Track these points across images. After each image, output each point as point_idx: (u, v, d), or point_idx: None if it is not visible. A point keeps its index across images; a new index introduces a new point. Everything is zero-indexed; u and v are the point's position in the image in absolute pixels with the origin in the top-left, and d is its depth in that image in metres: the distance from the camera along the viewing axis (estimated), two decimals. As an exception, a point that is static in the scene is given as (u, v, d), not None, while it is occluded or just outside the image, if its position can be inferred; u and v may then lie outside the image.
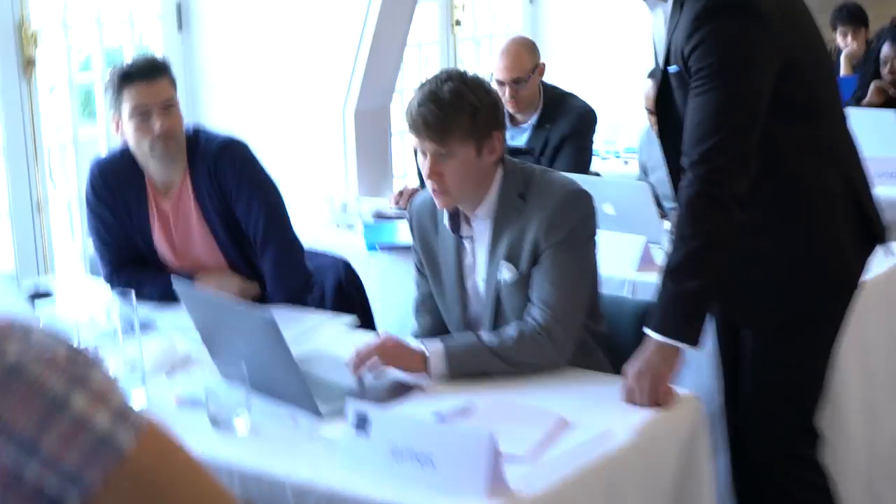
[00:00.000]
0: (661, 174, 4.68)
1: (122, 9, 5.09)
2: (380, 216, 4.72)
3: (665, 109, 2.85)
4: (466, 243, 3.04)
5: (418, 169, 4.56)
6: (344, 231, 4.59)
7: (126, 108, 3.39)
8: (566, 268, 2.89)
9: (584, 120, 4.89)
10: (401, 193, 4.83)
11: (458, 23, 6.62)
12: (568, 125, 4.83)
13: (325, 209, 4.67)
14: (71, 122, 4.91)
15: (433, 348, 2.79)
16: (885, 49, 6.30)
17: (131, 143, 3.45)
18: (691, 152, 2.64)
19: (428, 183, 2.90)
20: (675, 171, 2.87)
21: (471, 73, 2.98)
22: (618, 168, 5.82)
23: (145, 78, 3.39)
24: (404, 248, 4.30)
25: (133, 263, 3.58)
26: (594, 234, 2.99)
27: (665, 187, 4.51)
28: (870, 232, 2.85)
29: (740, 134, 2.62)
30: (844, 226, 2.79)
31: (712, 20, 2.59)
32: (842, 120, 2.86)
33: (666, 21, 2.76)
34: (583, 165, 4.83)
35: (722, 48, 2.60)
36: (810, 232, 2.78)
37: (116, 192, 3.54)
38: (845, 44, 7.57)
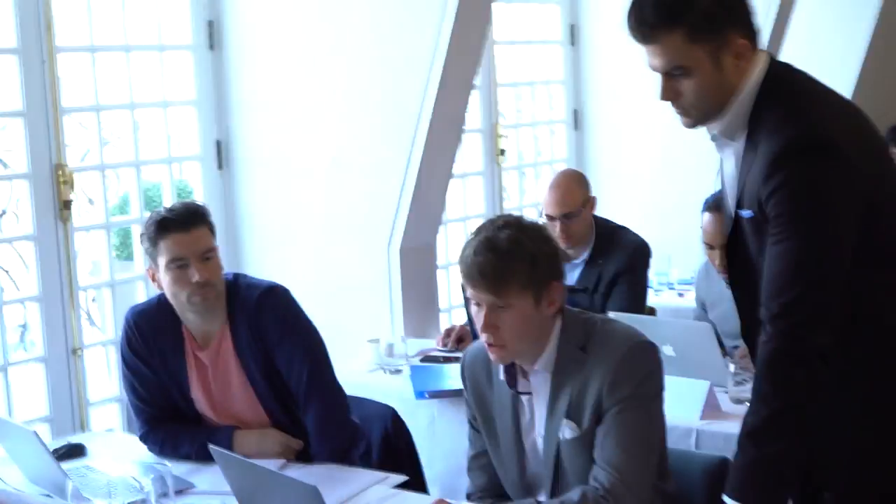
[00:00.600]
0: (720, 310, 4.49)
1: (161, 148, 5.00)
2: (427, 358, 4.54)
3: (736, 252, 2.66)
4: (524, 399, 2.85)
5: (468, 312, 4.40)
6: (390, 376, 4.40)
7: (163, 259, 3.25)
8: (633, 427, 2.68)
9: (638, 255, 4.71)
10: (448, 333, 4.66)
11: (502, 152, 6.50)
12: (621, 260, 4.65)
13: (371, 352, 4.49)
14: (108, 265, 4.80)
15: None
16: None
17: (168, 294, 3.31)
18: (770, 304, 2.44)
19: (483, 336, 2.72)
20: (747, 318, 2.67)
21: (528, 218, 2.81)
22: (672, 300, 5.64)
23: (183, 228, 3.25)
24: (454, 394, 4.13)
25: (170, 419, 3.41)
26: (661, 389, 2.79)
27: (726, 325, 4.34)
28: None
29: (823, 285, 2.41)
30: None
31: (791, 163, 2.39)
32: None
33: (737, 161, 2.57)
34: (638, 301, 4.64)
35: (802, 194, 2.40)
36: None
37: (152, 344, 3.38)
38: None
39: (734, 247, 2.66)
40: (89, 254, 4.81)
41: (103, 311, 5.01)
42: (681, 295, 5.75)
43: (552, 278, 2.73)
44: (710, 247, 4.30)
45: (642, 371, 2.72)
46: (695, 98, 2.50)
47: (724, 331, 4.32)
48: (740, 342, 4.28)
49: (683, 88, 2.49)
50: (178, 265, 3.24)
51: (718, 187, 6.78)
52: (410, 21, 4.66)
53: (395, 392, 4.15)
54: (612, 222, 4.85)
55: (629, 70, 7.09)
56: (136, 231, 4.91)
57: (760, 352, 2.46)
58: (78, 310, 4.64)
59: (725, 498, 2.47)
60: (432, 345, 4.72)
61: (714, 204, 4.38)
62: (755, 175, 2.47)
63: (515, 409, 2.86)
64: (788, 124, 2.44)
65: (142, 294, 4.94)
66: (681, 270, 6.02)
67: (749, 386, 3.78)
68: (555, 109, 7.14)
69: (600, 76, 7.16)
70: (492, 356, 2.76)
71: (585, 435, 2.72)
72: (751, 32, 2.50)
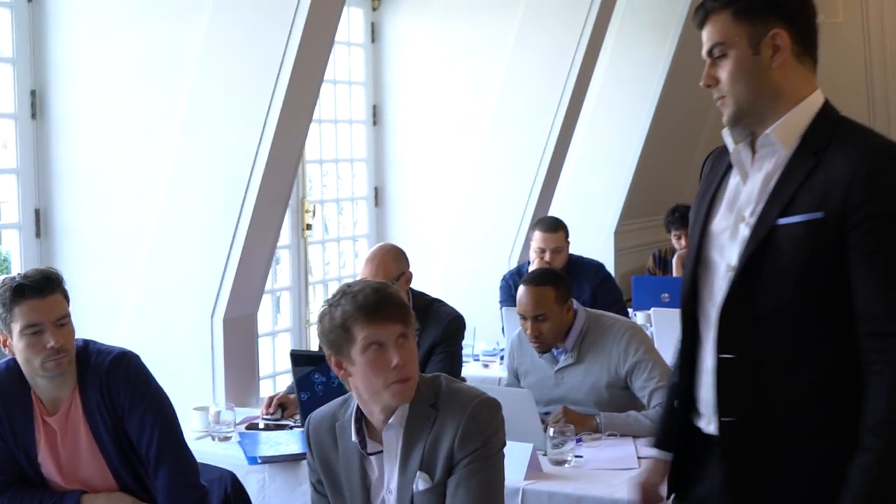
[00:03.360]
0: (533, 379, 4.75)
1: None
2: (251, 426, 4.65)
3: (759, 264, 2.58)
4: (372, 458, 3.00)
5: (298, 378, 4.51)
6: (218, 443, 4.48)
7: (18, 324, 3.29)
8: (482, 478, 2.89)
9: (453, 326, 4.93)
10: (270, 401, 4.77)
11: (308, 227, 6.68)
12: (437, 332, 4.86)
13: (198, 420, 4.56)
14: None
15: None
16: None
17: (21, 360, 3.34)
18: None
19: (403, 371, 2.87)
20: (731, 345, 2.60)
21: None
22: (478, 371, 5.89)
23: (39, 294, 3.31)
24: (286, 458, 4.25)
25: (15, 484, 3.41)
26: (504, 443, 3.01)
27: (538, 393, 4.59)
28: None
29: None
30: None
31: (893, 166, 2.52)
32: None
33: (776, 171, 2.61)
34: (454, 371, 4.86)
35: None
36: None
37: (0, 409, 3.40)
38: (679, 246, 7.91)
39: (758, 259, 2.59)
40: None
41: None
42: (486, 366, 6.00)
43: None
44: (523, 317, 4.56)
45: (490, 426, 2.94)
46: (730, 81, 2.60)
47: (536, 398, 4.57)
48: (550, 408, 4.55)
49: (721, 73, 2.62)
50: (34, 331, 3.29)
51: (515, 265, 7.04)
52: (240, 94, 4.80)
53: (224, 458, 4.22)
54: (427, 295, 5.07)
55: (427, 148, 7.41)
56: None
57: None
58: None
59: None
60: (255, 412, 4.83)
61: (529, 277, 4.66)
62: (836, 175, 2.50)
63: (363, 469, 3.01)
64: (875, 137, 2.57)
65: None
66: (484, 342, 6.29)
67: (565, 448, 4.06)
68: (357, 186, 7.37)
69: (400, 154, 7.44)
70: (404, 396, 2.92)
71: (438, 486, 2.90)
72: (796, 34, 2.61)
